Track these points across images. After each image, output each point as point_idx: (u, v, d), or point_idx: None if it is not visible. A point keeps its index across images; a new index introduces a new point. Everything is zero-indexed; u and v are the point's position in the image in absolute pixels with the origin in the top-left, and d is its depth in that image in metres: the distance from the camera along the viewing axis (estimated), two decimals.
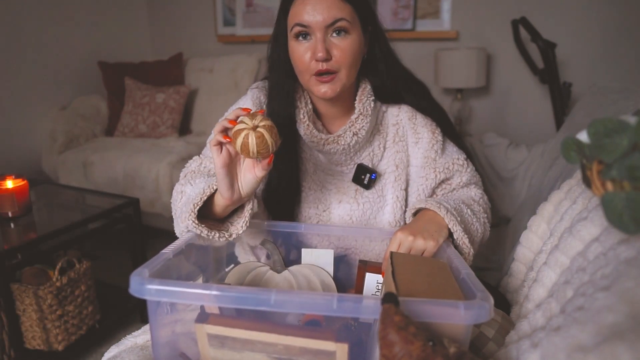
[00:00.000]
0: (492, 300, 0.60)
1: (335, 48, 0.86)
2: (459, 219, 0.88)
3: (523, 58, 2.32)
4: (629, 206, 0.51)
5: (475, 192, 1.01)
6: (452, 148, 1.02)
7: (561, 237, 0.78)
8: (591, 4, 2.28)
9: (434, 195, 1.02)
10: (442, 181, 1.01)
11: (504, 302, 0.92)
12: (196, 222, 0.81)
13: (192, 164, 0.98)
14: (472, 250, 0.89)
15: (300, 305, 0.61)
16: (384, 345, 0.52)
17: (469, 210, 0.93)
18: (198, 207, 0.82)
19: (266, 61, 0.99)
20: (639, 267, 0.50)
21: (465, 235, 0.87)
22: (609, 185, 0.56)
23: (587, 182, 0.62)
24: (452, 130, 1.04)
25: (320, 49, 0.84)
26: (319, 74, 0.87)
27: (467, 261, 0.89)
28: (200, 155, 0.99)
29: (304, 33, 0.86)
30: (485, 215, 0.98)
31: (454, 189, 1.02)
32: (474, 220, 0.92)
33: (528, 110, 2.53)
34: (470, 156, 1.06)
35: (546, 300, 0.70)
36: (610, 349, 0.42)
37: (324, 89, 0.88)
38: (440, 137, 0.99)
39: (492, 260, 1.48)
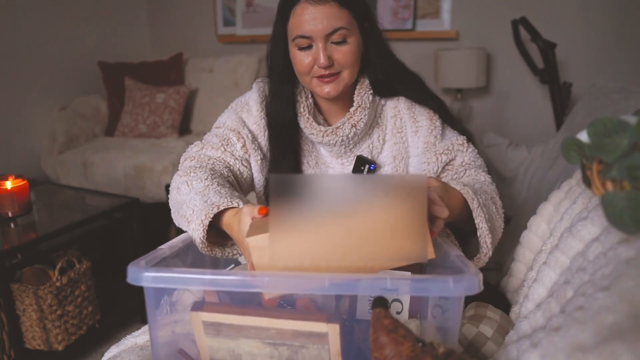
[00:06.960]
0: (481, 275, 0.61)
1: (336, 52, 0.88)
2: (487, 216, 0.85)
3: (523, 58, 2.32)
4: (629, 206, 0.51)
5: (485, 177, 0.98)
6: (451, 132, 1.01)
7: (561, 237, 0.78)
8: (591, 4, 2.28)
9: None
10: (446, 164, 0.99)
11: (504, 302, 0.92)
12: (208, 248, 0.82)
13: (193, 149, 1.00)
14: (489, 252, 0.86)
15: (292, 285, 0.62)
16: (376, 347, 0.54)
17: (493, 207, 0.90)
18: (204, 242, 0.81)
19: (265, 62, 1.01)
20: (639, 267, 0.50)
21: (489, 235, 0.85)
22: (609, 185, 0.56)
23: (587, 182, 0.62)
24: (450, 117, 1.04)
25: (323, 56, 0.87)
26: (321, 76, 0.89)
27: (482, 262, 0.87)
28: (202, 141, 1.01)
29: (306, 44, 0.88)
30: (503, 210, 0.95)
31: (457, 169, 0.99)
32: (498, 217, 0.90)
33: (528, 110, 2.53)
34: (472, 139, 1.04)
35: (546, 300, 0.70)
36: (610, 349, 0.42)
37: (327, 89, 0.90)
38: (439, 123, 0.99)
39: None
